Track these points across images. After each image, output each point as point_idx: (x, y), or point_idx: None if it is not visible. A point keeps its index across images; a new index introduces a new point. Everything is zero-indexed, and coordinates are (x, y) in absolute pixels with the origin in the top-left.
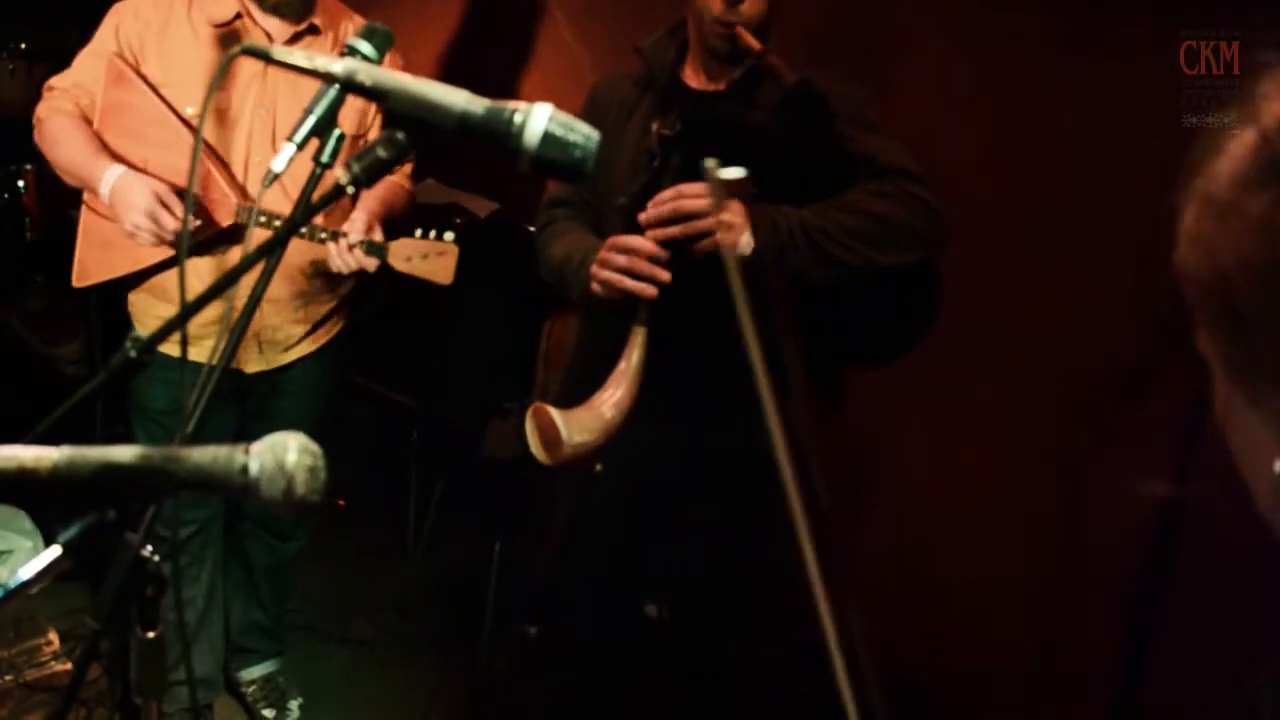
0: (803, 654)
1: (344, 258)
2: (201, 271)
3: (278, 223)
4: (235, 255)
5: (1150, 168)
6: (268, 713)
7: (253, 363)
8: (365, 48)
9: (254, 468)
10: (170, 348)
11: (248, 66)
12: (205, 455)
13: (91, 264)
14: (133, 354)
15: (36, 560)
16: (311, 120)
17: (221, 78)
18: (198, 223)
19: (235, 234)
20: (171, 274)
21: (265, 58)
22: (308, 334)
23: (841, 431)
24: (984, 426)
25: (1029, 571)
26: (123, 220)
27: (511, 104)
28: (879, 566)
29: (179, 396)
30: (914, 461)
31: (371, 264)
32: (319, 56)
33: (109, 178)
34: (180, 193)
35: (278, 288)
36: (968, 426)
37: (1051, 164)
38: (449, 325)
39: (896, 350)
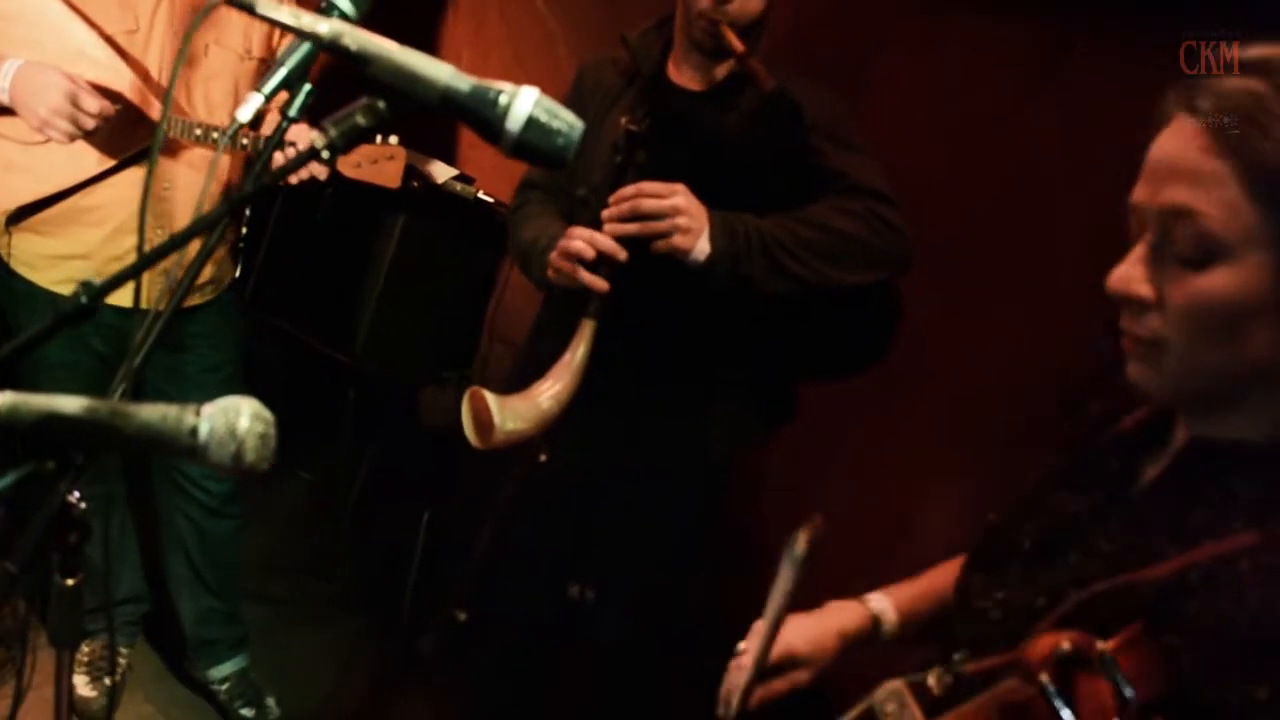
0: (726, 639)
1: None
2: (123, 189)
3: (215, 135)
4: (159, 171)
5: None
6: (246, 712)
7: (164, 300)
8: (344, 5)
9: (204, 430)
10: (64, 287)
11: None
12: (154, 413)
13: None
14: (84, 299)
15: None
16: (282, 72)
17: (199, 25)
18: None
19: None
20: (59, 210)
21: (249, 10)
22: (211, 280)
23: (792, 443)
24: (934, 440)
25: None
26: (33, 110)
27: (497, 84)
28: (823, 577)
29: (76, 348)
30: (864, 472)
31: (322, 171)
32: (304, 14)
33: (7, 69)
34: (104, 94)
35: (188, 217)
36: (918, 440)
37: (1023, 173)
38: (395, 287)
39: (853, 365)
